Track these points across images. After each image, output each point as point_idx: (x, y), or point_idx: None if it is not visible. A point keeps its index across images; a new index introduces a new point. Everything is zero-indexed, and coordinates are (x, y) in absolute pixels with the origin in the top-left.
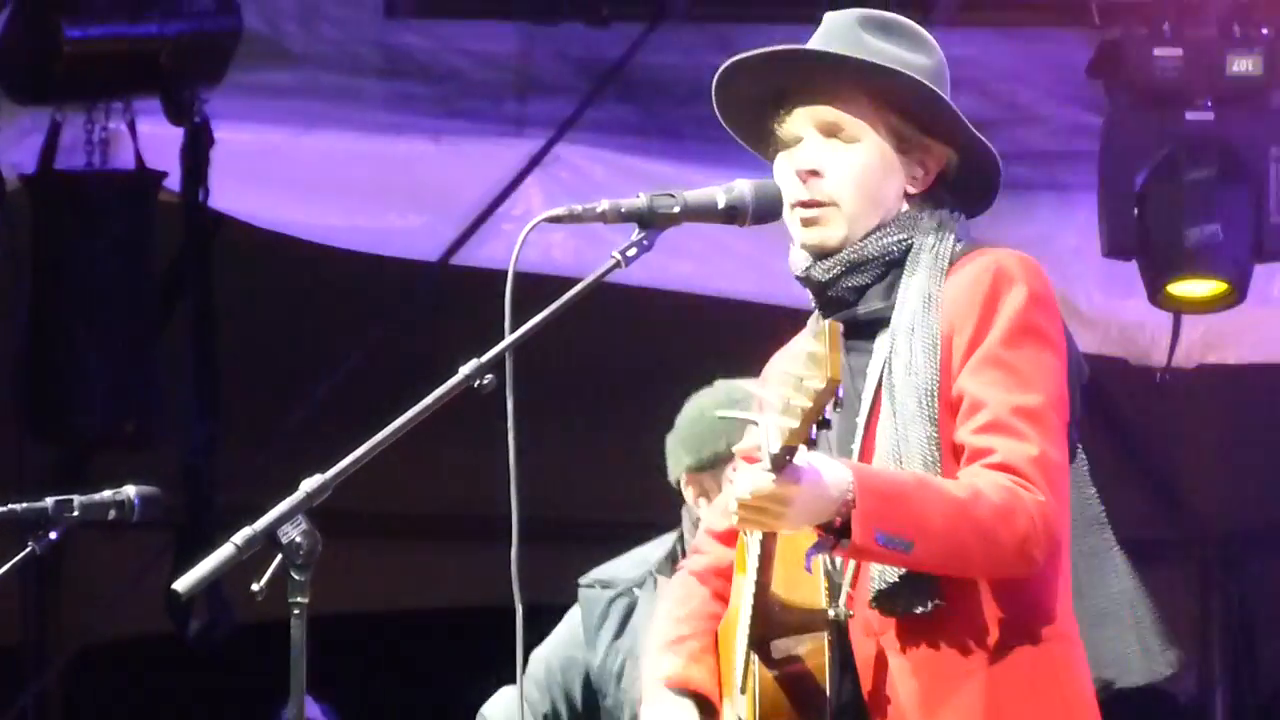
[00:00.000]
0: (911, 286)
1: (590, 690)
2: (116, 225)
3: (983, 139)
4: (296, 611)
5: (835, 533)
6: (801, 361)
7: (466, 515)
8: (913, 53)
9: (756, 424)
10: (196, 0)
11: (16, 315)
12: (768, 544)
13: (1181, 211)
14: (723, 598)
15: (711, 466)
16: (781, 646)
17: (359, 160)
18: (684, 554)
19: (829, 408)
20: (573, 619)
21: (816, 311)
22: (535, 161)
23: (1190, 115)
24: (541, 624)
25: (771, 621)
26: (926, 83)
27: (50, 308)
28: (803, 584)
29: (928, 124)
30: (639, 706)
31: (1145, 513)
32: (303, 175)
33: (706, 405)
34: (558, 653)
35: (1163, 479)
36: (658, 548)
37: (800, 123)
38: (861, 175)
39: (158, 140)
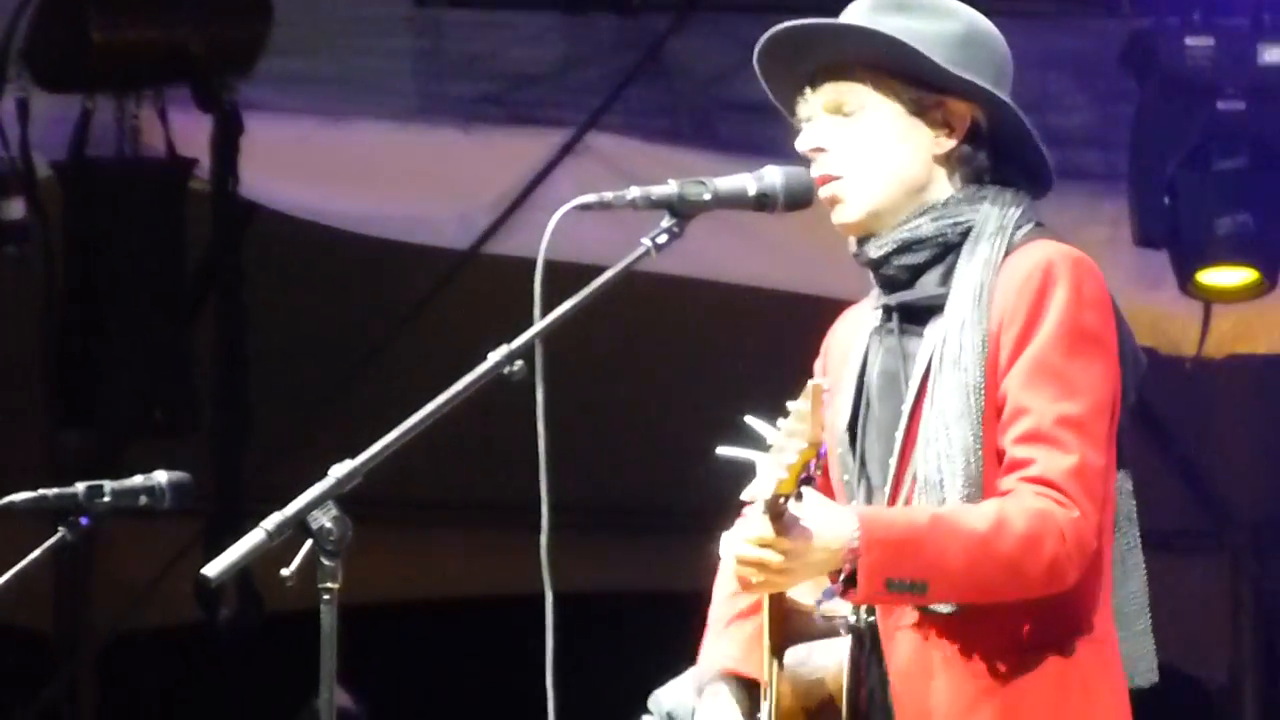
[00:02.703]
0: (966, 275)
1: None
2: (147, 213)
3: (985, 87)
4: (326, 597)
5: (845, 580)
6: (791, 414)
7: (498, 502)
8: (932, 23)
9: (754, 462)
10: None
11: (47, 302)
12: None
13: (1212, 201)
14: None
15: None
16: (799, 654)
17: (390, 149)
18: None
19: (813, 464)
20: None
21: (875, 290)
22: (566, 150)
23: (1221, 105)
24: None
25: (789, 628)
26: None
27: (81, 295)
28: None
29: (936, 82)
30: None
31: (1176, 503)
32: (333, 164)
33: None
34: None
35: (1193, 469)
36: None
37: (809, 106)
38: (864, 145)
39: (189, 128)
